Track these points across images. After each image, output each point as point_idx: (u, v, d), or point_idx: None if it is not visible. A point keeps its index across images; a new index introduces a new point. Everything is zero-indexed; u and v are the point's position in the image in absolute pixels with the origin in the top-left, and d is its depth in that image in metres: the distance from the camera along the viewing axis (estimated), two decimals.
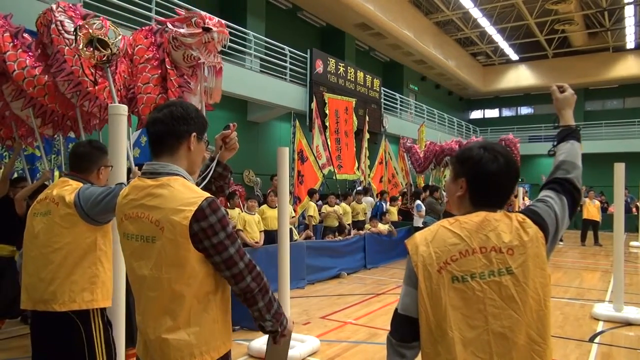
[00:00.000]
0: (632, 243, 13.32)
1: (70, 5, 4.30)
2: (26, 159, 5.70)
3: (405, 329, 1.46)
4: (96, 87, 4.08)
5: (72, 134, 5.29)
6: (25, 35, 4.53)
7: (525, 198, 13.45)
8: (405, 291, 1.48)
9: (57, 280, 2.25)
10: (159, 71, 4.19)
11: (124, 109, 3.44)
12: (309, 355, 4.44)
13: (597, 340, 5.08)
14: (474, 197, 1.48)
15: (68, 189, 2.33)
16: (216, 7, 12.16)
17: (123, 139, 3.33)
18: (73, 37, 4.00)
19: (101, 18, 4.00)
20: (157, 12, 8.83)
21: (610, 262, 7.58)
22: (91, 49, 3.72)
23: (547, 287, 1.38)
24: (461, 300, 1.36)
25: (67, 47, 4.01)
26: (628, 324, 5.59)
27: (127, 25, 7.70)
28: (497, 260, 1.36)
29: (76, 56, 4.04)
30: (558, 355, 4.55)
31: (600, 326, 5.56)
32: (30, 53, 4.44)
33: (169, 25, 4.05)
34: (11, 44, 4.36)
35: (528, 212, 1.45)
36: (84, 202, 2.22)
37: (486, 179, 1.45)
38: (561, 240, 13.81)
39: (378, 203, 11.20)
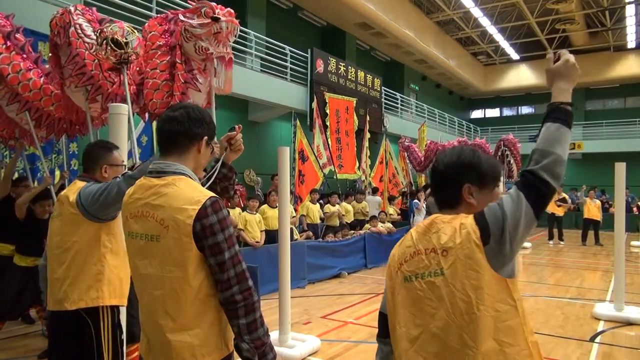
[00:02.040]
0: (633, 243, 13.31)
1: (87, 8, 4.28)
2: (27, 159, 5.71)
3: (382, 326, 1.56)
4: (114, 86, 4.10)
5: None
6: (18, 35, 4.47)
7: None
8: (385, 290, 1.58)
9: (68, 279, 2.29)
10: (168, 57, 4.19)
11: (124, 108, 3.44)
12: (310, 355, 4.44)
13: (597, 339, 5.08)
14: (433, 196, 1.57)
15: (73, 189, 2.36)
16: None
17: (124, 138, 3.33)
18: (92, 41, 4.02)
19: (117, 21, 4.03)
20: (157, 12, 8.83)
21: (611, 261, 7.58)
22: (107, 48, 3.82)
23: (481, 289, 1.29)
24: (409, 299, 1.43)
25: (87, 52, 3.99)
26: (629, 323, 5.59)
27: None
28: (433, 261, 1.39)
29: (96, 60, 4.03)
30: (559, 355, 4.55)
31: (601, 326, 5.56)
32: (24, 55, 4.38)
33: (181, 17, 4.02)
34: (4, 46, 4.30)
35: (478, 212, 1.38)
36: (84, 200, 2.24)
37: (434, 175, 1.54)
38: (562, 240, 13.79)
39: (411, 201, 11.17)
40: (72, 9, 4.10)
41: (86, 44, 4.00)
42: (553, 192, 1.32)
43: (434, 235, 1.41)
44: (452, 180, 1.46)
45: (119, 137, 3.26)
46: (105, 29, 3.88)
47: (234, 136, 1.92)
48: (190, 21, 3.92)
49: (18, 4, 6.06)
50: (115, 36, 3.83)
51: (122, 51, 3.85)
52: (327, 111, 12.22)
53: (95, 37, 4.03)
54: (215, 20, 3.82)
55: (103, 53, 3.87)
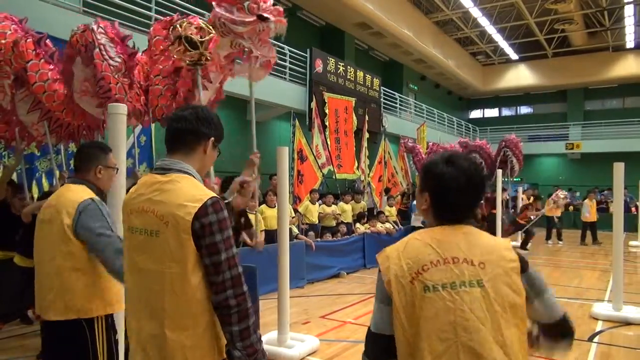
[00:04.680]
0: (632, 242, 13.32)
1: (110, 24, 4.20)
2: (25, 159, 5.68)
3: (379, 348, 1.42)
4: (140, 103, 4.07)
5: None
6: (48, 42, 4.41)
7: (531, 199, 13.36)
8: (377, 308, 1.43)
9: (54, 289, 2.22)
10: (171, 61, 4.12)
11: (123, 108, 3.44)
12: (309, 355, 4.44)
13: (596, 339, 5.08)
14: (436, 211, 1.47)
15: (68, 196, 2.29)
16: None
17: (123, 138, 3.33)
18: (116, 64, 3.95)
19: (192, 17, 3.71)
20: (157, 12, 8.83)
21: (610, 261, 7.59)
22: (181, 47, 3.52)
23: (517, 308, 1.34)
24: (432, 310, 1.33)
25: (112, 75, 3.93)
26: (627, 323, 5.60)
27: (127, 25, 7.70)
28: (468, 271, 1.34)
29: (119, 84, 3.97)
30: (557, 355, 4.55)
31: (599, 325, 5.57)
32: (52, 65, 4.32)
33: (216, 8, 3.66)
34: (34, 52, 4.21)
35: (507, 240, 1.48)
36: (80, 229, 2.20)
37: (446, 196, 1.44)
38: (561, 240, 13.82)
39: (412, 202, 11.21)
40: (95, 26, 4.03)
41: (111, 67, 3.95)
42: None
43: (463, 245, 1.38)
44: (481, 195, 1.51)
45: (118, 136, 3.26)
46: (178, 26, 3.55)
47: (249, 181, 1.96)
48: (229, 15, 3.55)
49: (17, 4, 6.04)
50: (191, 34, 3.47)
51: (198, 52, 3.51)
52: (326, 111, 12.22)
53: (119, 60, 3.93)
54: (262, 19, 3.47)
55: (174, 53, 3.55)
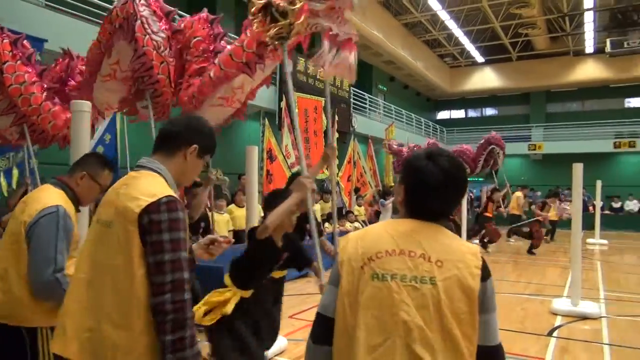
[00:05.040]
0: (589, 240, 13.83)
1: None
2: None
3: (325, 330, 1.37)
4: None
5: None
6: (25, 43, 4.25)
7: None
8: (328, 290, 1.41)
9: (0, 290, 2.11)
10: (207, 64, 3.94)
11: (87, 105, 3.37)
12: (277, 355, 4.45)
13: (555, 334, 5.26)
14: (409, 205, 1.43)
15: (38, 202, 2.18)
16: (184, 1, 11.98)
17: (86, 135, 3.27)
18: (160, 39, 3.70)
19: None
20: None
21: (569, 258, 7.86)
22: (267, 19, 2.98)
23: (467, 315, 1.25)
24: (375, 300, 1.27)
25: (155, 51, 3.68)
26: (584, 318, 5.81)
27: (94, 21, 7.51)
28: (422, 267, 1.28)
29: (164, 62, 3.73)
30: (518, 349, 4.69)
31: (558, 320, 5.76)
32: (29, 66, 4.15)
33: None
34: (10, 53, 4.05)
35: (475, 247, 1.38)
36: (32, 232, 2.10)
37: (418, 191, 1.40)
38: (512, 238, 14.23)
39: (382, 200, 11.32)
40: None
41: (154, 42, 3.68)
42: None
43: (424, 242, 1.32)
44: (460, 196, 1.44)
45: (80, 134, 3.20)
46: None
47: (220, 242, 1.98)
48: None
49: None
50: (281, 3, 2.93)
51: (287, 22, 2.96)
52: (296, 110, 12.21)
53: (163, 36, 3.66)
54: None
55: (261, 27, 3.00)
